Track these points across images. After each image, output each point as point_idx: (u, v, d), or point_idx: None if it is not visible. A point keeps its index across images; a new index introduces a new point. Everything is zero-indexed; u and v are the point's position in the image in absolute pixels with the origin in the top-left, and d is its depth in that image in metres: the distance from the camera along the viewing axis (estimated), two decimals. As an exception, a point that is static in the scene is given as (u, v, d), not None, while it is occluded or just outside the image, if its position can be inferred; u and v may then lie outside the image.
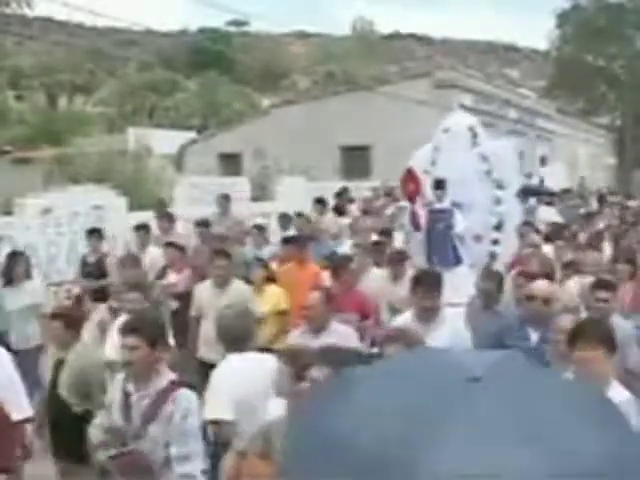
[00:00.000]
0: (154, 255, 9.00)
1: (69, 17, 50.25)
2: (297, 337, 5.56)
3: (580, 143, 37.25)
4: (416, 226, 8.85)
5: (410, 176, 8.93)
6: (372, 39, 73.81)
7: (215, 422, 4.20)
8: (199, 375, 6.31)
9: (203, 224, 10.17)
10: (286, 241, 8.84)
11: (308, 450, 1.21)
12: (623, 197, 22.65)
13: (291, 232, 10.33)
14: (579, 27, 41.87)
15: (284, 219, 11.31)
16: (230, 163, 25.37)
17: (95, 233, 9.29)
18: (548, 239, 10.13)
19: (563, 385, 1.29)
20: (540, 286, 5.50)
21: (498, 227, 8.82)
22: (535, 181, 27.55)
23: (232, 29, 67.08)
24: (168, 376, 3.91)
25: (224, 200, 11.63)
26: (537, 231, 10.58)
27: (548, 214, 13.86)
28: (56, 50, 47.32)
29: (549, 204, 16.27)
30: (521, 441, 1.08)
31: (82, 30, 63.29)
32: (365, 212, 12.44)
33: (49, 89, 45.09)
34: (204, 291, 7.13)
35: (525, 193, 20.86)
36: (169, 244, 8.60)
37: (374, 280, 7.82)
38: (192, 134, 31.32)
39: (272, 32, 65.88)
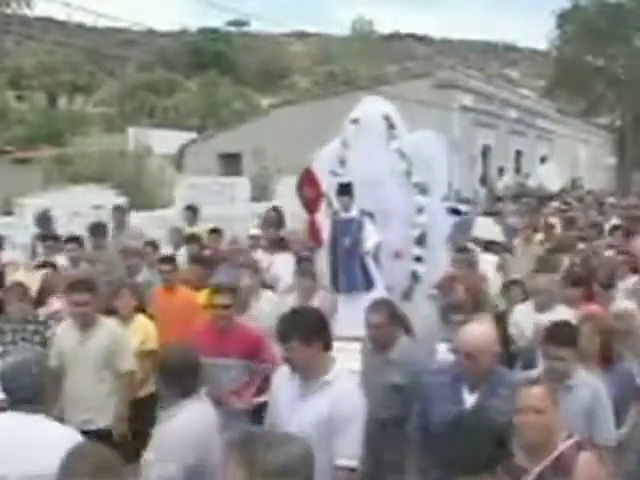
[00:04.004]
0: (10, 258, 8.33)
1: (69, 17, 50.30)
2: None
3: (580, 143, 37.25)
4: (316, 241, 7.26)
5: (309, 179, 7.24)
6: (372, 39, 73.71)
7: None
8: None
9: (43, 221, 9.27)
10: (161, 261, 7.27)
11: None
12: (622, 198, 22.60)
13: (182, 250, 8.92)
14: (579, 27, 41.86)
15: (174, 234, 9.64)
16: (230, 163, 25.36)
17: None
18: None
19: None
20: (465, 335, 3.92)
21: (420, 241, 7.10)
22: (534, 182, 27.58)
23: (232, 29, 67.03)
24: None
25: (118, 212, 10.00)
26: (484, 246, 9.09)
27: (487, 229, 10.97)
28: (56, 50, 47.27)
29: (535, 210, 15.95)
30: None
31: (82, 30, 63.21)
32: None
33: (49, 89, 45.04)
34: (64, 336, 5.45)
35: (521, 196, 20.89)
36: (44, 264, 7.27)
37: (266, 306, 6.30)
38: (192, 134, 31.31)
39: (272, 32, 65.88)
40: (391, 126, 7.35)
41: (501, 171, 26.53)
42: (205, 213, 11.17)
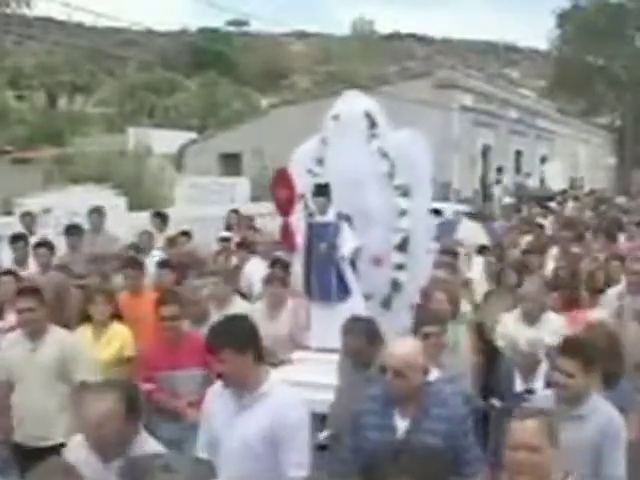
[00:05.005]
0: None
1: (69, 17, 50.28)
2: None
3: (580, 143, 37.27)
4: (290, 246, 6.85)
5: (283, 179, 6.87)
6: (372, 39, 73.72)
7: None
8: (17, 468, 4.56)
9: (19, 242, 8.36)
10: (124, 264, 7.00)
11: None
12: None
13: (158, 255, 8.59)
14: (579, 27, 41.87)
15: (144, 238, 9.22)
16: (230, 163, 25.39)
17: None
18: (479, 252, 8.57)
19: None
20: (392, 351, 3.68)
21: (402, 247, 6.59)
22: (534, 181, 27.59)
23: (232, 29, 67.02)
24: None
25: (96, 215, 9.48)
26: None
27: (471, 233, 10.25)
28: (56, 50, 47.31)
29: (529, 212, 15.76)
30: None
31: (82, 30, 63.25)
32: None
33: (49, 89, 45.03)
34: (12, 347, 5.00)
35: (520, 196, 20.83)
36: (4, 273, 6.77)
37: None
38: (192, 134, 31.35)
39: (272, 32, 65.89)
40: (373, 124, 6.81)
41: (501, 171, 26.58)
42: (205, 213, 11.18)
